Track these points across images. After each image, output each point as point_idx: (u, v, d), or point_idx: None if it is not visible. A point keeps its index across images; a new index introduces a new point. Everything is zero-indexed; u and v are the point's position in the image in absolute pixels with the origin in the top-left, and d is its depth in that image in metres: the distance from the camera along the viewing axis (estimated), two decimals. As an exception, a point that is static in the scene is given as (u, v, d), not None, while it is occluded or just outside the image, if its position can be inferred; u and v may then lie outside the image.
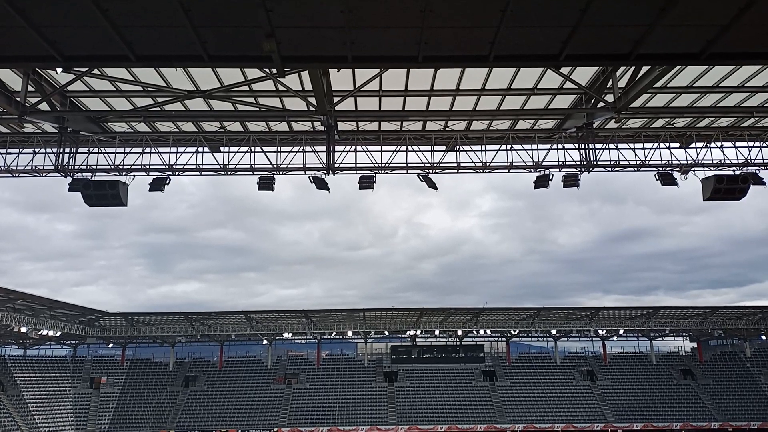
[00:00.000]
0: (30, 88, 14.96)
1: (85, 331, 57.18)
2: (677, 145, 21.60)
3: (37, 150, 20.60)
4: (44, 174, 20.49)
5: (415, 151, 21.19)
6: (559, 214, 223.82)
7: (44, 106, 15.81)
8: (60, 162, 19.62)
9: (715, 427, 54.38)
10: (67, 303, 50.32)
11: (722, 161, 21.43)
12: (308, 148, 20.86)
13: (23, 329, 46.99)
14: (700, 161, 21.39)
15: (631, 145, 21.51)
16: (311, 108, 15.62)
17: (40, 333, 49.12)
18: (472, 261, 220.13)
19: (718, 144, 21.50)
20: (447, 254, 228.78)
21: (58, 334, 52.36)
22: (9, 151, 20.74)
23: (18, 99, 14.95)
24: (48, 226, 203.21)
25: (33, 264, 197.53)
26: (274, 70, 11.56)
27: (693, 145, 21.51)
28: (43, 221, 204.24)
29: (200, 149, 20.85)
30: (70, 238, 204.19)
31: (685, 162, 21.41)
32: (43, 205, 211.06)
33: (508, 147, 21.17)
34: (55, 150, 19.85)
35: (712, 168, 21.22)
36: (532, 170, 21.28)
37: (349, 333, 60.94)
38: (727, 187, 19.17)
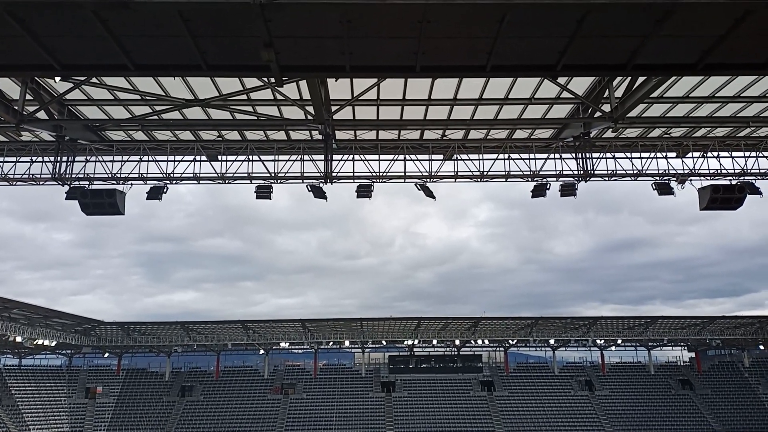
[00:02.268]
0: (28, 97, 14.97)
1: (81, 340, 56.85)
2: (674, 154, 21.68)
3: (34, 158, 20.57)
4: (41, 182, 20.45)
5: (413, 160, 21.23)
6: (555, 223, 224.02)
7: (42, 115, 15.80)
8: (57, 170, 19.60)
9: (714, 438, 54.23)
10: (63, 312, 50.07)
11: (719, 171, 21.50)
12: (306, 157, 20.89)
13: (19, 339, 46.71)
14: (696, 171, 21.46)
15: (628, 154, 21.58)
16: (309, 117, 15.66)
17: (35, 342, 48.83)
18: (469, 270, 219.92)
19: (715, 154, 21.59)
20: (444, 264, 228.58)
21: (53, 344, 52.05)
22: (6, 159, 20.70)
23: (16, 107, 14.95)
24: (45, 235, 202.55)
25: (30, 273, 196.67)
26: (273, 80, 11.59)
27: (689, 154, 21.59)
28: (41, 230, 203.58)
29: (198, 158, 20.85)
30: (67, 247, 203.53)
31: (681, 171, 21.48)
32: (41, 214, 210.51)
33: (506, 156, 21.21)
34: (52, 158, 19.85)
35: (708, 178, 21.29)
36: (530, 179, 21.31)
37: (347, 342, 60.68)
38: (723, 197, 19.24)
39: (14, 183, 20.69)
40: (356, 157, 21.04)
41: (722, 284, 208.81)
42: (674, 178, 21.43)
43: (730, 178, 21.25)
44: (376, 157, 21.19)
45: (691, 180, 21.29)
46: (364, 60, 9.17)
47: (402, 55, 9.05)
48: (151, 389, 61.63)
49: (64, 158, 19.82)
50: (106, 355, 63.50)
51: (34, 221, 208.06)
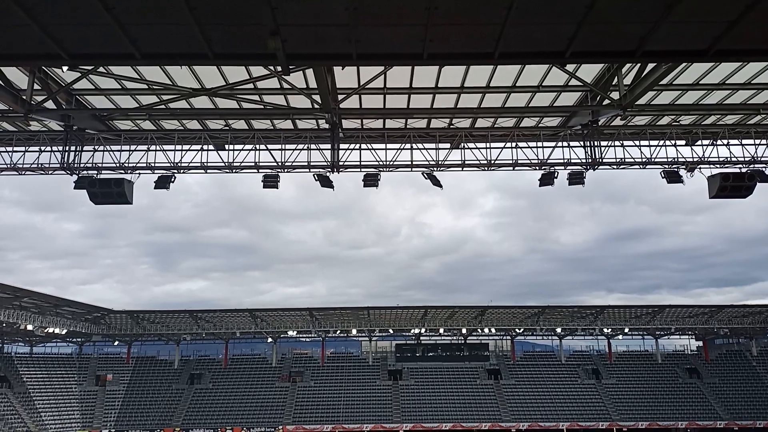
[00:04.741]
0: (36, 86, 15.00)
1: (91, 328, 57.44)
2: (683, 142, 21.50)
3: (42, 148, 20.67)
4: (50, 172, 20.56)
5: (420, 149, 21.16)
6: (560, 213, 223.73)
7: (50, 104, 15.85)
8: (66, 160, 19.67)
9: (721, 426, 54.19)
10: (72, 301, 50.58)
11: (728, 159, 21.31)
12: (313, 146, 20.85)
13: (29, 327, 47.24)
14: (706, 159, 21.28)
15: (637, 142, 21.41)
16: (316, 106, 15.66)
17: (46, 330, 49.37)
18: (475, 260, 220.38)
19: (725, 141, 21.38)
20: (449, 253, 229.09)
21: (64, 332, 52.62)
22: (15, 149, 20.82)
23: (24, 97, 15.00)
24: (55, 225, 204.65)
25: (40, 262, 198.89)
26: (279, 68, 11.56)
27: (699, 142, 21.40)
28: (50, 220, 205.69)
29: (205, 147, 20.87)
30: (76, 237, 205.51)
31: (691, 159, 21.31)
32: (50, 204, 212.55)
33: (513, 144, 21.10)
34: (60, 148, 19.92)
35: (718, 165, 21.12)
36: (537, 168, 21.19)
37: (354, 331, 61.00)
38: (733, 185, 19.06)
39: (23, 173, 20.81)
40: (363, 146, 20.99)
41: (729, 273, 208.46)
42: (683, 166, 21.25)
43: (740, 165, 21.06)
44: (382, 146, 21.13)
45: (700, 168, 21.12)
46: (371, 48, 9.11)
47: (409, 43, 8.98)
48: (160, 377, 62.27)
49: (72, 148, 19.88)
50: (116, 343, 64.19)
51: (44, 211, 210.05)
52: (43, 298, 47.52)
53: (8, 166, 20.69)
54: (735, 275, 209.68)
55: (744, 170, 20.08)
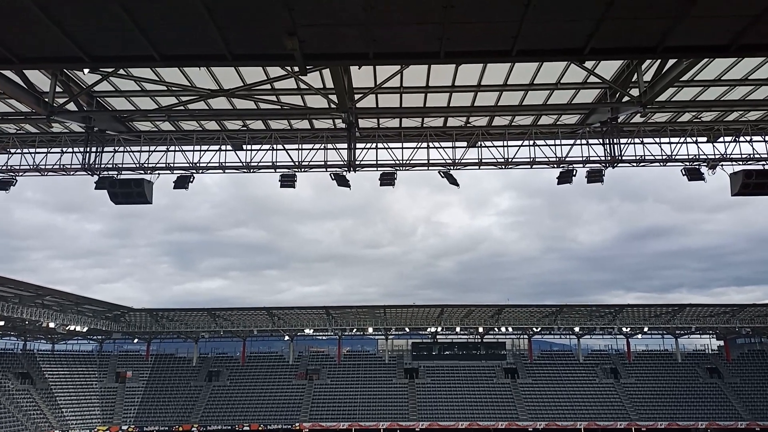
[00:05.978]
0: (58, 89, 15.23)
1: (111, 326, 58.26)
2: (705, 139, 21.15)
3: (64, 149, 21.00)
4: (72, 172, 20.87)
5: (436, 148, 21.09)
6: (577, 212, 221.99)
7: (71, 106, 16.08)
8: (87, 161, 19.95)
9: (742, 426, 53.32)
10: (93, 299, 51.35)
11: (751, 155, 20.93)
12: (329, 146, 20.90)
13: (52, 324, 48.05)
14: (728, 156, 20.92)
15: (657, 139, 21.13)
16: (332, 105, 15.67)
17: (67, 328, 50.16)
18: (491, 259, 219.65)
19: (747, 138, 20.99)
20: (466, 252, 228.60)
21: (85, 330, 53.44)
22: (38, 150, 21.17)
23: (46, 99, 15.23)
24: (76, 225, 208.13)
25: (62, 262, 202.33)
26: (296, 68, 11.60)
27: (721, 139, 21.05)
28: (72, 220, 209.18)
29: (223, 147, 21.04)
30: (97, 236, 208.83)
31: (712, 156, 20.97)
32: (72, 205, 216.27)
33: (531, 143, 20.92)
34: (81, 149, 20.21)
35: (740, 162, 20.76)
36: (555, 166, 21.01)
37: (370, 329, 61.05)
38: (756, 182, 18.69)
39: (45, 173, 21.16)
40: (379, 145, 20.99)
41: (751, 272, 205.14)
42: (705, 163, 20.92)
43: (763, 162, 20.68)
44: (399, 145, 21.11)
45: (722, 165, 20.77)
46: (388, 47, 9.11)
47: (425, 41, 8.97)
48: (179, 374, 62.94)
49: (93, 149, 20.16)
50: (136, 340, 65.01)
51: (66, 212, 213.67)
52: (65, 297, 48.28)
53: (31, 167, 21.05)
54: (757, 274, 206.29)
55: (767, 167, 19.71)
